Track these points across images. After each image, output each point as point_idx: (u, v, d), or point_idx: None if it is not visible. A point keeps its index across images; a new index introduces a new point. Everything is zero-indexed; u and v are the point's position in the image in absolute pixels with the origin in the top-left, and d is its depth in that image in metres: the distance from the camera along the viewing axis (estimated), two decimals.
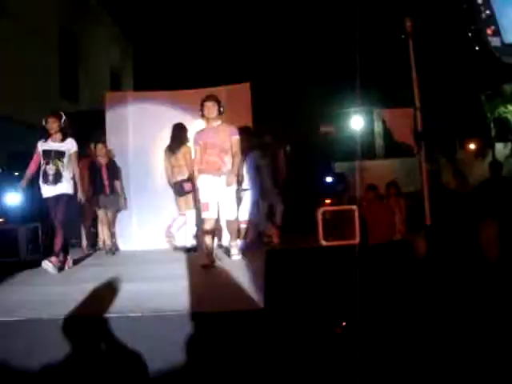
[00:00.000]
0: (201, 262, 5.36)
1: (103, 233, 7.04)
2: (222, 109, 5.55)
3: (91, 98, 13.40)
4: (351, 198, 8.49)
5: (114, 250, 6.98)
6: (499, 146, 16.90)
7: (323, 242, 6.78)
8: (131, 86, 17.91)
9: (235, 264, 5.36)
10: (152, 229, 7.03)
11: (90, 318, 3.58)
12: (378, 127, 16.57)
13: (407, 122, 7.49)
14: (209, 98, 5.54)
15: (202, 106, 5.52)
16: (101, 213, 6.99)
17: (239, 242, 6.09)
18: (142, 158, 7.15)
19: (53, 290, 4.57)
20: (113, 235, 7.11)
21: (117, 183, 6.94)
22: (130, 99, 7.47)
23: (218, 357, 3.24)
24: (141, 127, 7.17)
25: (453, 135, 15.70)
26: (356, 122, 12.18)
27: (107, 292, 4.23)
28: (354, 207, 7.02)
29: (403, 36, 6.59)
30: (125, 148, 7.21)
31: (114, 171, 6.95)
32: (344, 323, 3.88)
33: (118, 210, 7.12)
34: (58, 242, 5.53)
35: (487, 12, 2.21)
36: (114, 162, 7.02)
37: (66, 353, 3.27)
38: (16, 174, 8.30)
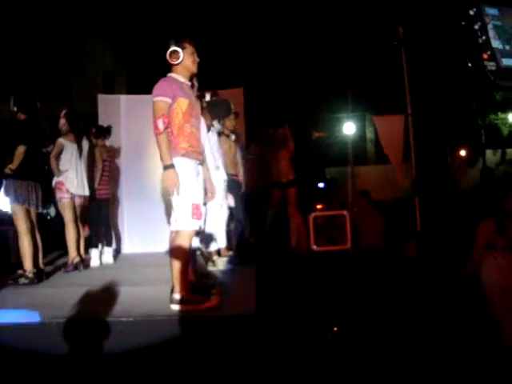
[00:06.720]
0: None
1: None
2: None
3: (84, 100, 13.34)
4: (342, 203, 8.52)
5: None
6: (488, 153, 17.09)
7: (314, 247, 6.79)
8: (124, 89, 17.85)
9: (226, 269, 5.33)
10: (144, 231, 6.99)
11: (81, 321, 3.56)
12: (369, 133, 16.65)
13: (398, 128, 7.55)
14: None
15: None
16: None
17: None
18: (134, 159, 7.11)
19: (45, 292, 4.54)
20: None
21: None
22: (123, 102, 7.44)
23: (210, 361, 3.23)
24: (133, 130, 7.13)
25: (444, 142, 15.83)
26: (348, 128, 12.21)
27: (99, 296, 4.22)
28: (345, 212, 7.04)
29: (396, 43, 6.67)
30: (117, 150, 7.18)
31: None
32: (335, 328, 3.89)
33: None
34: None
35: (483, 37, 2.24)
36: None
37: (55, 356, 3.25)
38: None
